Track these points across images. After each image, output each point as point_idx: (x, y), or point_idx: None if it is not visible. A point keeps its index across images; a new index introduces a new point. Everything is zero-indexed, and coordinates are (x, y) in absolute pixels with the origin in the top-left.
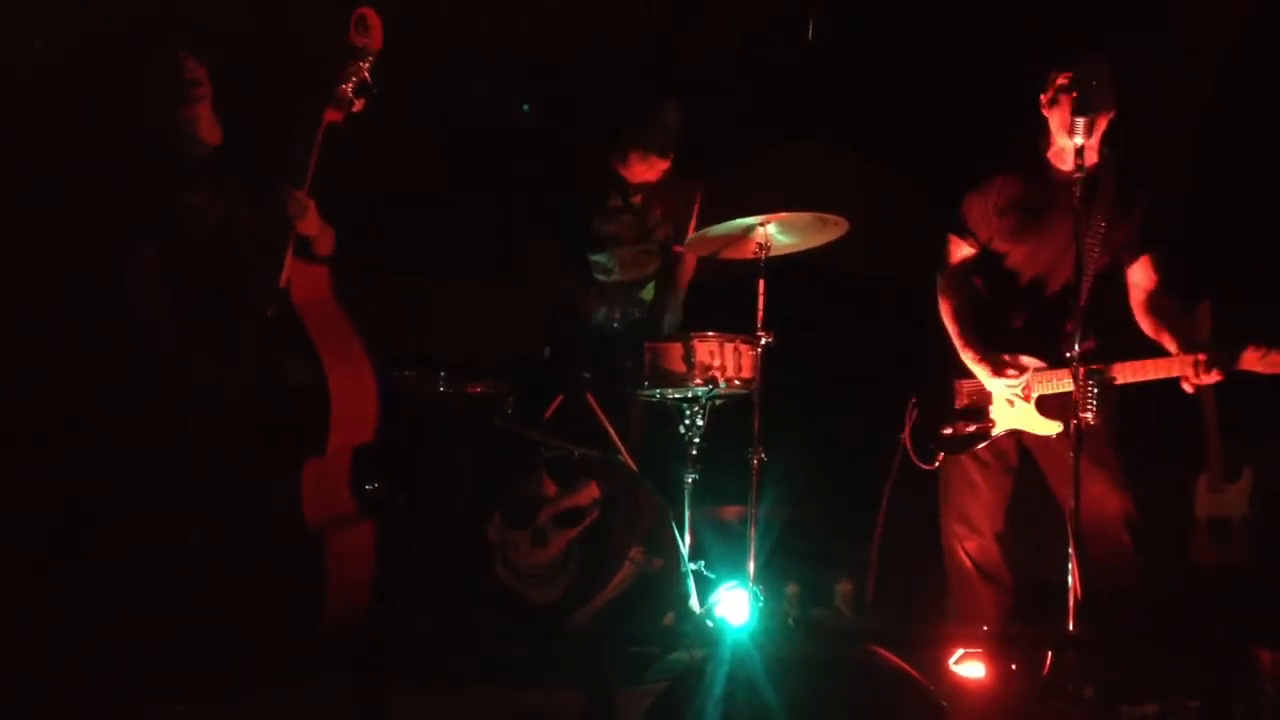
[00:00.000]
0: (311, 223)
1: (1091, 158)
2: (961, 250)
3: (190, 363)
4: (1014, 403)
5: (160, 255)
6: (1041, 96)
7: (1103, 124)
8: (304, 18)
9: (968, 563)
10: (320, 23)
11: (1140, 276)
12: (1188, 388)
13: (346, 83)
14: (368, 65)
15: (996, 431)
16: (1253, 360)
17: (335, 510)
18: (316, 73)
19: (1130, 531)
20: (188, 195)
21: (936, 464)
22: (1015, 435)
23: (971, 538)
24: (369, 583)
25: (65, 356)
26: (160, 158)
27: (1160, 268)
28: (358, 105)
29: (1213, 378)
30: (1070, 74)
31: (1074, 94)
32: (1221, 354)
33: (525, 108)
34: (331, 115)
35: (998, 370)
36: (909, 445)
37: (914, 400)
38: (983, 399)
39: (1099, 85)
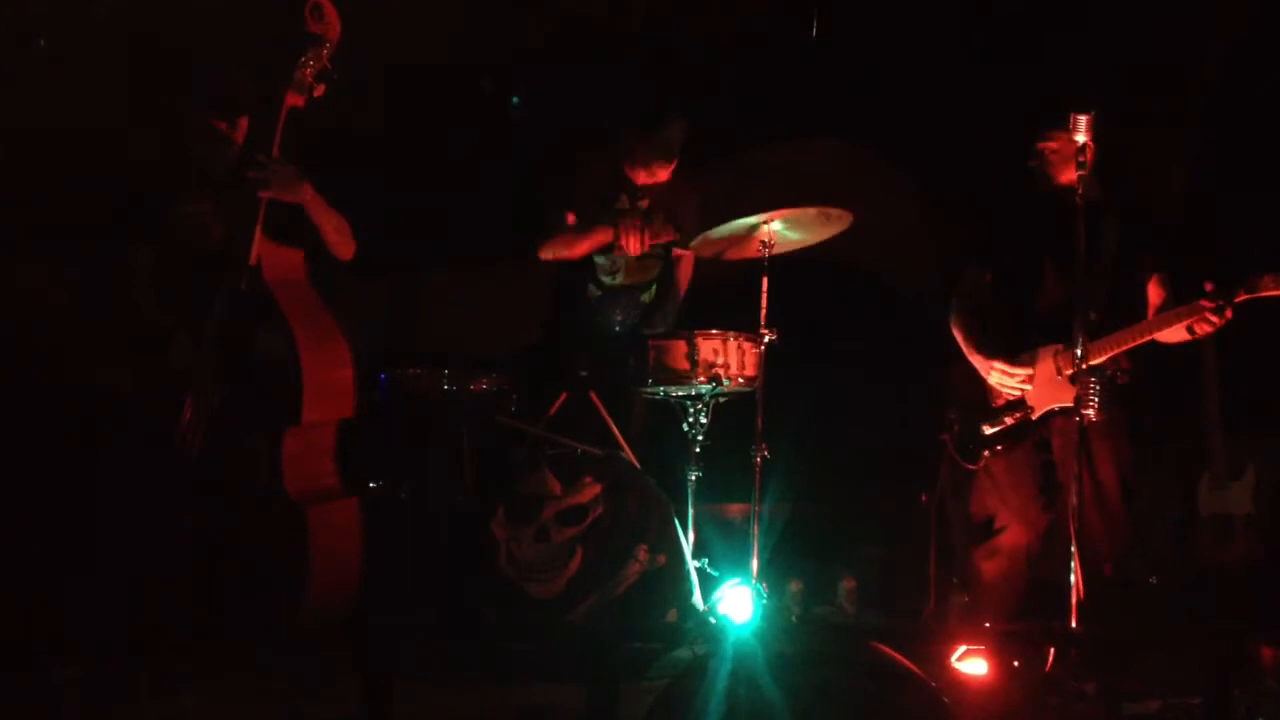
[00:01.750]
0: (285, 190)
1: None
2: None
3: (170, 347)
4: (1050, 384)
5: (160, 260)
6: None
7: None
8: (265, 6)
9: (989, 566)
10: (280, 12)
11: (1153, 294)
12: (1202, 328)
13: (305, 69)
14: (327, 52)
15: (1036, 416)
16: (1270, 285)
17: (317, 485)
18: (276, 58)
19: (1125, 495)
20: (199, 204)
21: (982, 464)
22: (1034, 453)
23: (1000, 539)
24: (357, 559)
25: (55, 355)
26: (176, 167)
27: (1167, 285)
28: (318, 90)
29: (1214, 320)
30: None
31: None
32: (1238, 282)
33: (515, 100)
34: (293, 99)
35: (1002, 368)
36: (952, 448)
37: (951, 414)
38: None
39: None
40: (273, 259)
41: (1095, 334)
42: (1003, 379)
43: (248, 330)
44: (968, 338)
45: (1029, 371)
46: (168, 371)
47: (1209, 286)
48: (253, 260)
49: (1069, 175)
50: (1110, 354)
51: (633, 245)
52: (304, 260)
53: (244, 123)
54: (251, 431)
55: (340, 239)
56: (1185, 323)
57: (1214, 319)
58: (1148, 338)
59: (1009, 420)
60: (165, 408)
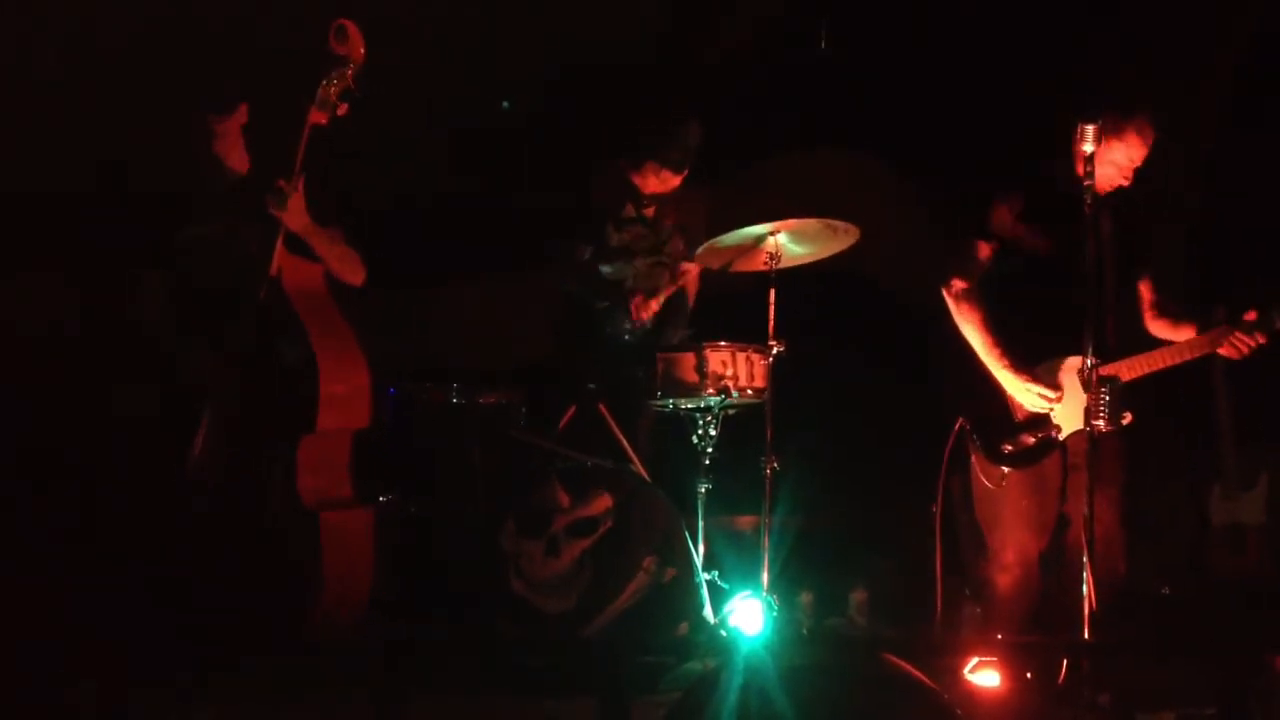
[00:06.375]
0: (295, 216)
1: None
2: (985, 253)
3: (183, 365)
4: (1080, 401)
5: (175, 282)
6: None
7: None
8: (291, 28)
9: (1002, 580)
10: (306, 33)
11: (1145, 291)
12: (1230, 352)
13: (329, 87)
14: (351, 72)
15: (1064, 435)
16: None
17: (331, 492)
18: (301, 78)
19: (1124, 555)
20: (212, 225)
21: (1002, 482)
22: (1060, 459)
23: (1008, 554)
24: (368, 570)
25: (74, 367)
26: (188, 189)
27: (1158, 283)
28: (342, 110)
29: (1256, 339)
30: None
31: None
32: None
33: (505, 104)
34: (316, 117)
35: (1040, 391)
36: (976, 462)
37: (962, 421)
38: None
39: None
40: (293, 270)
41: (1119, 348)
42: (1035, 401)
43: (266, 339)
44: (990, 342)
45: (1061, 393)
46: (180, 388)
47: (1251, 314)
48: (273, 271)
49: (1105, 181)
50: (1141, 373)
51: (644, 313)
52: (324, 274)
53: (235, 145)
54: (268, 438)
55: (344, 268)
56: (1217, 349)
57: (1253, 340)
58: (1178, 361)
59: (1031, 440)
60: (180, 423)
